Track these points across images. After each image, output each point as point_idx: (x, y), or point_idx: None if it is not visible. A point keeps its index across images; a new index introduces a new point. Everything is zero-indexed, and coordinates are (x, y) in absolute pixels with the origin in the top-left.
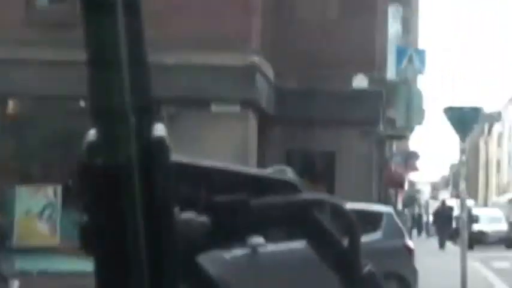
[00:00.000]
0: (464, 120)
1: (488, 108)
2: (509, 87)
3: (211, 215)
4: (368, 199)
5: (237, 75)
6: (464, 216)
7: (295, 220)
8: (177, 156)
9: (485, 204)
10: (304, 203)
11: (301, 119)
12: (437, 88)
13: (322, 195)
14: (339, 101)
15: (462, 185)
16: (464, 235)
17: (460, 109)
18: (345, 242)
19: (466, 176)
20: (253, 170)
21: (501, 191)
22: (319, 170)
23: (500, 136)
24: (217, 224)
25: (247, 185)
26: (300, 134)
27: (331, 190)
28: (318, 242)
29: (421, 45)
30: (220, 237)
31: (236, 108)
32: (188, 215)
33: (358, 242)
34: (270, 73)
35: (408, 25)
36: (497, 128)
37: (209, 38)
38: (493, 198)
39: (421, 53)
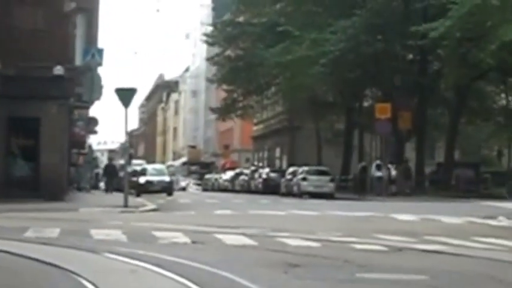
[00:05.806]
0: (127, 95)
1: (167, 77)
2: (186, 58)
3: None
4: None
5: None
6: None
7: None
8: None
9: None
10: None
11: (19, 95)
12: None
13: None
14: (44, 83)
15: (125, 139)
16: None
17: (123, 89)
18: None
19: (145, 142)
20: None
21: (177, 157)
22: (30, 130)
23: (177, 104)
24: None
25: None
26: (19, 105)
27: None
28: None
29: (101, 43)
30: None
31: None
32: None
33: None
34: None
35: (91, 28)
36: (174, 97)
37: None
38: (170, 162)
39: (100, 51)
